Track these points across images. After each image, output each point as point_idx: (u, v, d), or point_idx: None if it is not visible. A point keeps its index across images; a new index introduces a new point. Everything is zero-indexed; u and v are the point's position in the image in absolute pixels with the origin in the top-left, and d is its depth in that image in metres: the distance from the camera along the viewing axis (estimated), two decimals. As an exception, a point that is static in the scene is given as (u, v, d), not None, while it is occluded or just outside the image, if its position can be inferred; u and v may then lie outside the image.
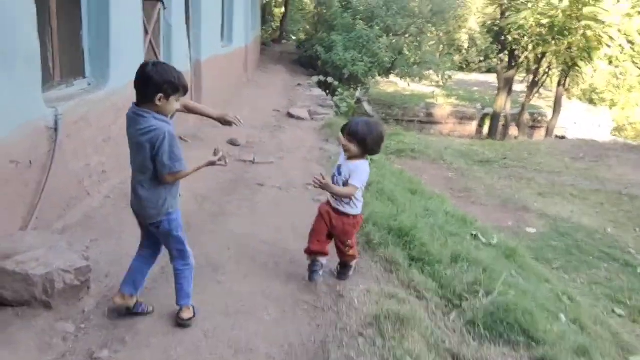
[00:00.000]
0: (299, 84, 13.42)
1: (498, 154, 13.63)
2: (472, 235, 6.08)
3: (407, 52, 16.90)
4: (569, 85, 23.87)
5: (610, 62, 24.32)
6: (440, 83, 21.18)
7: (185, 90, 2.73)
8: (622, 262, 7.65)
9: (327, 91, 13.21)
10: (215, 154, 2.91)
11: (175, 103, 2.72)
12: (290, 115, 9.45)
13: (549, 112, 24.12)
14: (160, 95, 2.61)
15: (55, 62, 4.32)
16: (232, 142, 7.24)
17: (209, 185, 5.59)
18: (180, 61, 6.99)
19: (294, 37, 25.15)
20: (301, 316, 3.28)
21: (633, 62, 29.44)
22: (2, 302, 2.84)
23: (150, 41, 6.25)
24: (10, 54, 3.20)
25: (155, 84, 2.60)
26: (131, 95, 2.73)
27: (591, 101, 29.68)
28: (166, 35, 6.71)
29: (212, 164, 2.90)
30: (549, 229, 8.87)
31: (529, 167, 12.62)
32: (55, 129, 3.83)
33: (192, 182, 5.54)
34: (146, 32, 6.06)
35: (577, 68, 21.32)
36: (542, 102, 26.21)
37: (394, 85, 25.25)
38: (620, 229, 9.05)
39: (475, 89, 28.87)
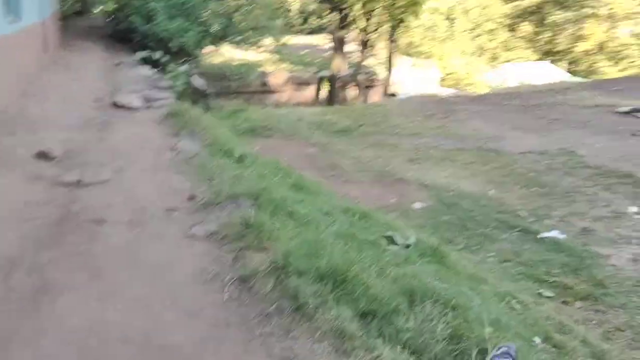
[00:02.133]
0: (119, 63, 11.03)
1: (353, 122, 12.76)
2: (386, 237, 4.91)
3: (236, 18, 15.15)
4: (396, 41, 24.14)
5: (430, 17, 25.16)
6: (272, 49, 19.90)
7: None
8: (520, 230, 7.12)
9: (157, 69, 11.05)
10: None
11: None
12: (117, 106, 7.34)
13: (380, 70, 24.25)
14: None
15: None
16: (43, 155, 5.11)
17: (18, 234, 3.60)
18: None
19: (96, 10, 21.68)
20: None
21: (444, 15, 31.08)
22: None
23: None
24: None
25: None
26: None
27: (409, 55, 30.73)
28: None
29: None
30: (434, 201, 8.13)
31: (388, 132, 11.95)
32: None
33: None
34: None
35: (403, 24, 21.49)
36: (373, 60, 26.32)
37: (221, 55, 23.28)
38: (500, 189, 8.64)
39: (304, 52, 28.03)
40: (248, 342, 2.63)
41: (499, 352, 2.75)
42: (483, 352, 2.77)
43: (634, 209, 7.98)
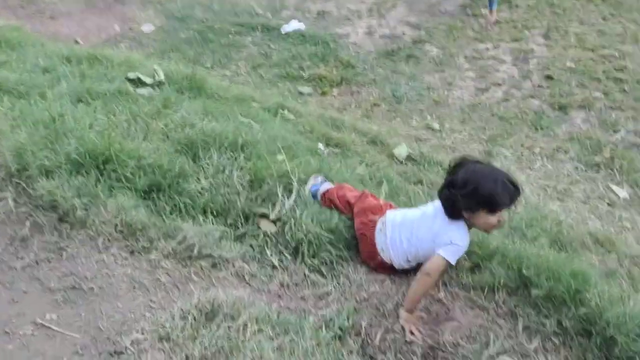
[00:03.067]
0: None
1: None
2: (130, 80, 4.13)
3: None
4: None
5: None
6: None
7: None
8: (261, 29, 6.79)
9: None
10: None
11: None
12: None
13: None
14: None
15: None
16: None
17: None
18: None
19: None
20: None
21: None
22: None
23: None
24: None
25: None
26: None
27: None
28: None
29: None
30: (164, 19, 7.19)
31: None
32: None
33: None
34: None
35: None
36: None
37: None
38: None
39: None
40: (11, 270, 1.96)
41: (318, 181, 2.58)
42: (289, 186, 2.54)
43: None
